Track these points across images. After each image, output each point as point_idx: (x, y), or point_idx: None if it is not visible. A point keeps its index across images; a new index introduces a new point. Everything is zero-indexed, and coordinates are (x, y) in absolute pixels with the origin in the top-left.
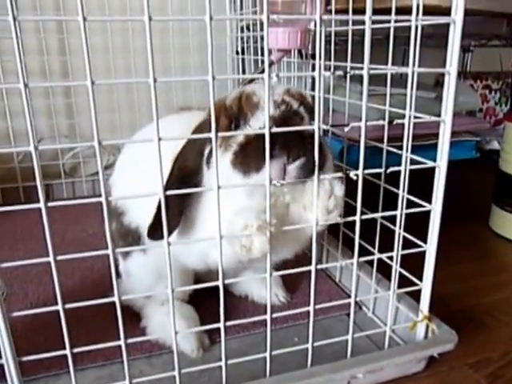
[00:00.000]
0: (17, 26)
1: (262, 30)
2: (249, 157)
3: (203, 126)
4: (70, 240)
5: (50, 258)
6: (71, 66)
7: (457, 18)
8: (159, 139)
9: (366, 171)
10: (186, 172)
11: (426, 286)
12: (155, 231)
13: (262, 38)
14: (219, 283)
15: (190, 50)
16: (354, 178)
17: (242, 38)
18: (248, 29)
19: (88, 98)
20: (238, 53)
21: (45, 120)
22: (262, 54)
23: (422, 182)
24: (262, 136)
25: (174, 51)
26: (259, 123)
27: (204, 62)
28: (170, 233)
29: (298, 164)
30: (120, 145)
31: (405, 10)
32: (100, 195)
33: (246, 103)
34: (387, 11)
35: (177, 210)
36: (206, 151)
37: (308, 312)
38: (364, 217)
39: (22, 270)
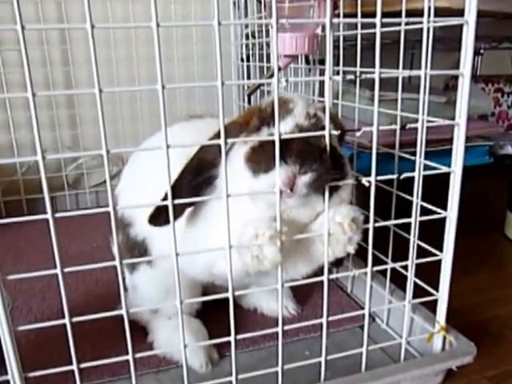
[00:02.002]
0: (24, 35)
1: (267, 36)
2: (261, 156)
3: (231, 126)
4: (73, 253)
5: (58, 270)
6: (74, 77)
7: (470, 18)
8: (168, 146)
9: (379, 177)
10: (204, 164)
11: (442, 295)
12: (158, 216)
13: (267, 44)
14: (229, 294)
15: (194, 58)
16: (367, 184)
17: (246, 45)
18: (253, 36)
19: (91, 109)
20: (242, 60)
21: (48, 132)
22: (268, 61)
23: (435, 189)
24: (282, 141)
25: (177, 60)
26: (286, 127)
27: (208, 71)
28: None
29: (308, 178)
30: (124, 155)
31: (414, 13)
32: (105, 206)
33: (280, 108)
34: (396, 15)
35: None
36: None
37: (319, 325)
38: (377, 224)
39: (26, 284)
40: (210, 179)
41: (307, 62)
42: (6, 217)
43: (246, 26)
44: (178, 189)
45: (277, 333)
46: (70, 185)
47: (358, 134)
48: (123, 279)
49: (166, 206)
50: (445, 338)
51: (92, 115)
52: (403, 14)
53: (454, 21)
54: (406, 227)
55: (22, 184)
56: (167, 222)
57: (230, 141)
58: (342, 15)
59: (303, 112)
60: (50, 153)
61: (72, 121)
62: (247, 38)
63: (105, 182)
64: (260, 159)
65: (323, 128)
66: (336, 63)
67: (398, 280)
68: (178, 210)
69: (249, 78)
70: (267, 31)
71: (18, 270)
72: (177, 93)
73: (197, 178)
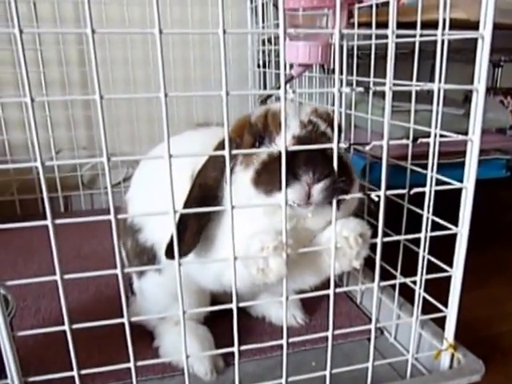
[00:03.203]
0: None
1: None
2: (271, 175)
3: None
4: (86, 254)
5: (57, 277)
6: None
7: (485, 32)
8: (170, 156)
9: (389, 192)
10: (206, 190)
11: (451, 312)
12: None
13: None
14: (233, 306)
15: (211, 62)
16: (376, 199)
17: (263, 52)
18: (270, 42)
19: (107, 110)
20: (259, 66)
21: (64, 131)
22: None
23: (447, 202)
24: (286, 155)
25: (194, 63)
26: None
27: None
28: (189, 251)
29: (322, 186)
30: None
31: (431, 24)
32: (119, 208)
33: (271, 121)
34: (413, 25)
35: (196, 228)
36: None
37: (327, 335)
38: (386, 239)
39: (36, 284)
40: (216, 202)
41: (323, 70)
42: (20, 215)
43: (263, 33)
44: (184, 219)
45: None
46: (85, 185)
47: (367, 147)
48: (130, 284)
49: (179, 240)
50: (453, 356)
51: (108, 116)
52: (418, 25)
53: (469, 34)
54: (417, 240)
55: (37, 183)
56: (184, 254)
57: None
58: (356, 24)
59: (296, 121)
60: (65, 152)
61: (88, 121)
62: (264, 43)
63: (119, 183)
64: (269, 179)
65: (322, 133)
66: (350, 72)
67: (408, 293)
68: (190, 240)
69: (265, 84)
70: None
71: (28, 270)
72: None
73: (202, 205)
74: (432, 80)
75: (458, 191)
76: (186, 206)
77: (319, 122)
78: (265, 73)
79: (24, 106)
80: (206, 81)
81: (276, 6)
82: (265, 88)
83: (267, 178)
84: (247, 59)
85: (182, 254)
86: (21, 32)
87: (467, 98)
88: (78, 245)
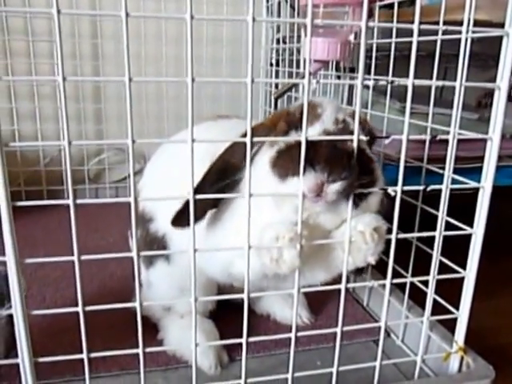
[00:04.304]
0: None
1: (298, 42)
2: (288, 160)
3: (258, 128)
4: (90, 247)
5: (75, 258)
6: (103, 70)
7: (510, 30)
8: (193, 140)
9: (405, 187)
10: (228, 166)
11: (462, 314)
12: (181, 218)
13: (298, 50)
14: (244, 296)
15: (223, 60)
16: (393, 193)
17: (277, 50)
18: (284, 41)
19: (116, 104)
20: (272, 65)
21: (73, 125)
22: (298, 67)
23: (460, 207)
24: (309, 145)
25: (206, 61)
26: (314, 132)
27: (235, 74)
28: (196, 220)
29: (338, 186)
30: (146, 153)
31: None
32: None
33: (309, 112)
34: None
35: (208, 201)
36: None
37: (332, 336)
38: (400, 236)
39: (42, 273)
40: (234, 183)
41: (337, 69)
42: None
43: (278, 31)
44: (200, 190)
45: (288, 340)
46: (91, 179)
47: (386, 141)
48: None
49: (188, 209)
50: (462, 359)
51: (117, 111)
52: (441, 21)
53: (493, 32)
54: (428, 243)
55: (44, 175)
56: (189, 224)
57: (255, 140)
58: (376, 20)
59: (332, 117)
60: (73, 146)
61: (98, 115)
62: (278, 42)
63: (125, 178)
64: (286, 164)
65: (352, 133)
66: (367, 72)
67: (416, 297)
68: (200, 212)
69: (277, 83)
70: (298, 37)
71: (33, 263)
72: (202, 95)
73: (220, 180)
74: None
75: (472, 196)
76: (204, 177)
77: (352, 124)
78: (277, 71)
79: (36, 95)
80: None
81: (292, 6)
82: (276, 87)
83: (284, 162)
84: (260, 58)
85: (190, 224)
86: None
87: (480, 104)
88: (82, 239)
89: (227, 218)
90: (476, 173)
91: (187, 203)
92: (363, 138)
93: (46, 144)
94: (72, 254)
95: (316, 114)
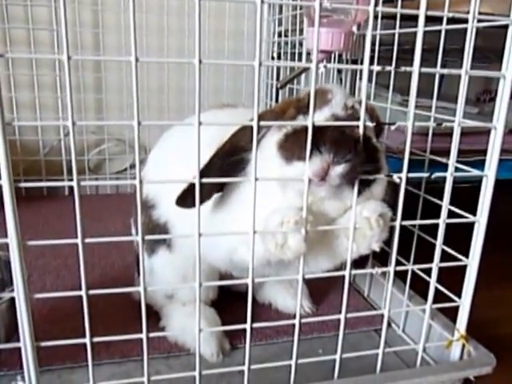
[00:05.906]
0: None
1: (300, 34)
2: (294, 143)
3: (267, 113)
4: (93, 237)
5: (79, 240)
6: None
7: None
8: (199, 123)
9: (410, 175)
10: (236, 149)
11: (464, 302)
12: (186, 198)
13: (300, 43)
14: (248, 281)
15: (225, 53)
16: (397, 180)
17: (278, 44)
18: (285, 34)
19: (117, 95)
20: (273, 58)
21: (74, 116)
22: (299, 60)
23: (462, 200)
24: (316, 129)
25: (208, 54)
26: (322, 116)
27: (237, 67)
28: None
29: (342, 169)
30: (147, 144)
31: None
32: (124, 193)
33: (318, 98)
34: (439, 20)
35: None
36: (260, 135)
37: (334, 325)
38: (404, 223)
39: (42, 261)
40: (240, 166)
41: (340, 61)
42: (26, 197)
43: (280, 24)
44: (207, 172)
45: (290, 329)
46: (91, 170)
47: (392, 127)
48: (137, 263)
49: (194, 189)
50: (463, 348)
51: (118, 102)
52: (446, 7)
53: (499, 20)
54: (431, 233)
55: (43, 165)
56: (194, 204)
57: (262, 124)
58: (380, 15)
59: (341, 102)
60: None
61: (99, 105)
62: (279, 35)
63: (125, 169)
64: (293, 146)
65: (359, 120)
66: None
67: (417, 287)
68: (206, 193)
69: (278, 76)
70: (300, 30)
71: (35, 250)
72: (204, 89)
73: (227, 163)
74: (444, 79)
75: (473, 191)
76: (211, 160)
77: (361, 110)
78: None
79: (36, 86)
80: (219, 72)
81: None
82: (278, 79)
83: (291, 145)
84: (261, 52)
85: (194, 204)
86: None
87: (479, 99)
88: (85, 228)
89: (231, 203)
90: (477, 167)
91: (193, 183)
92: (369, 124)
93: (47, 123)
94: (72, 246)
95: (326, 99)
